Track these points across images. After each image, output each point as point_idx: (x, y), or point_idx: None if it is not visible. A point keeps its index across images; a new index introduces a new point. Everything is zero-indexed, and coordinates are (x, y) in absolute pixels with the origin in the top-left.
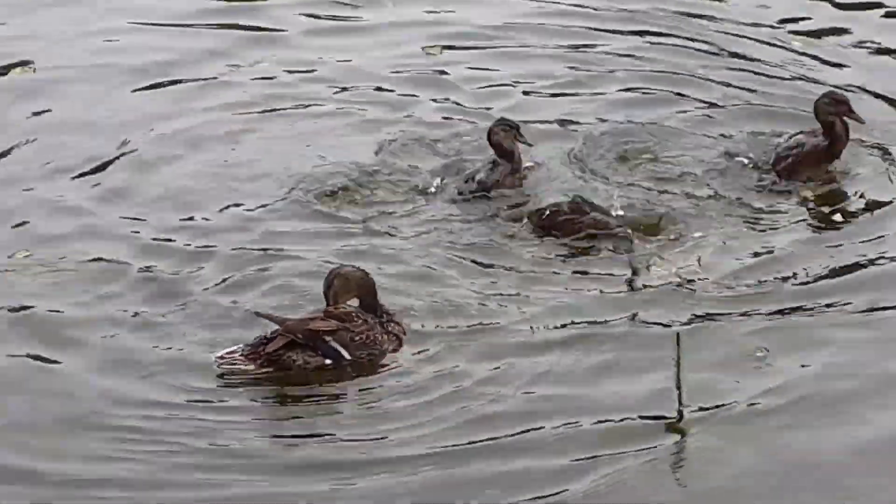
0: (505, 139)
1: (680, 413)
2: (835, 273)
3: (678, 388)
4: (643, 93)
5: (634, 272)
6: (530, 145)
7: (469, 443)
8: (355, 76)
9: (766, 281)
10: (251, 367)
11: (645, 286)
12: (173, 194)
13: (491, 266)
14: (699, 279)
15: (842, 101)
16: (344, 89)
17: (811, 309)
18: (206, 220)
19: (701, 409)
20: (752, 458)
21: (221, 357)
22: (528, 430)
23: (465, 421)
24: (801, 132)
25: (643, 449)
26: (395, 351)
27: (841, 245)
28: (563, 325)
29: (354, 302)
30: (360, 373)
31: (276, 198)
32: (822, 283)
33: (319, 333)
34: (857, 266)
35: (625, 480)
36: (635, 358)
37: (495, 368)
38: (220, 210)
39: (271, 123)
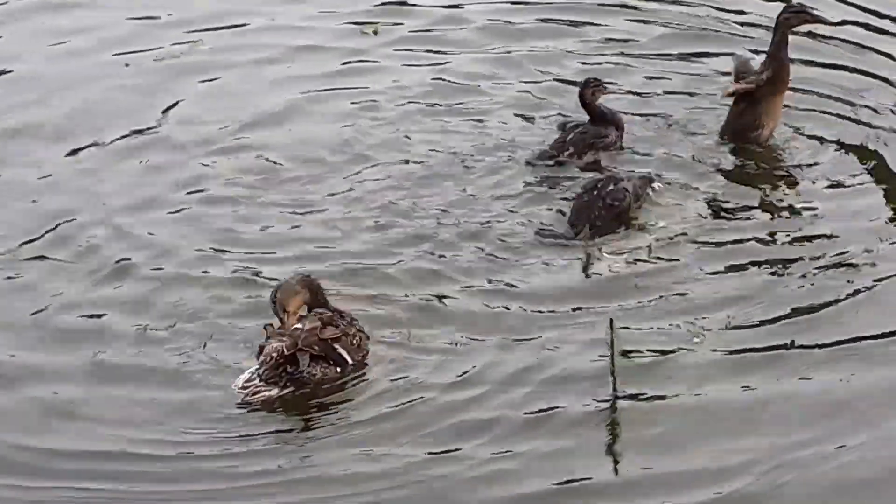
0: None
1: (614, 397)
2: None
3: (612, 372)
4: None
5: (588, 258)
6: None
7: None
8: None
9: (710, 270)
10: (275, 391)
11: (592, 274)
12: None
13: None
14: (648, 265)
15: (800, 10)
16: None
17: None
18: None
19: (634, 393)
20: (685, 441)
21: (243, 388)
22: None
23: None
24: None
25: (581, 432)
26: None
27: (786, 232)
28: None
29: (305, 310)
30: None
31: None
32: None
33: (330, 342)
34: (795, 254)
35: (563, 463)
36: (577, 342)
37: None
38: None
39: None
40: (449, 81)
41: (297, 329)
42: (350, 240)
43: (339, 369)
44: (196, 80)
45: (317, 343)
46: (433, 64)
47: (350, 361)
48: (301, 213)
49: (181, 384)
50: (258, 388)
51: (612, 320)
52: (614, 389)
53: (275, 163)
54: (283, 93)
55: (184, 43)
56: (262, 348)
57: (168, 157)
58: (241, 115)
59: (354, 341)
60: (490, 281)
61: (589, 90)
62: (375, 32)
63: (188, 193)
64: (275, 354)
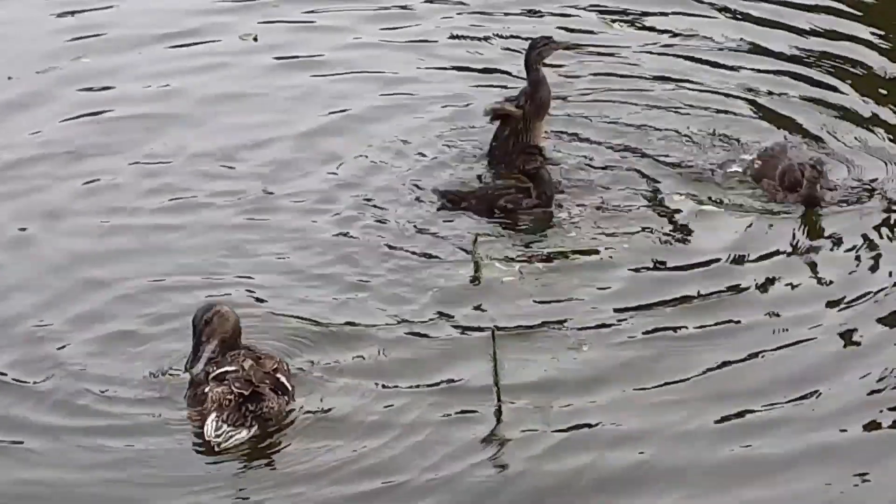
0: None
1: (499, 409)
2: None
3: (496, 383)
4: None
5: (477, 268)
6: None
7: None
8: None
9: (600, 282)
10: (244, 433)
11: (479, 282)
12: None
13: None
14: (540, 274)
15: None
16: None
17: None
18: None
19: (518, 403)
20: (567, 452)
21: (217, 436)
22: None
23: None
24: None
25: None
26: None
27: (671, 238)
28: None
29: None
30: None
31: None
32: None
33: (273, 373)
34: (679, 260)
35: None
36: (464, 353)
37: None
38: None
39: None
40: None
41: (234, 370)
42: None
43: (286, 398)
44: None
45: (268, 378)
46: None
47: (290, 388)
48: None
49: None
50: (230, 433)
51: (494, 331)
52: (498, 399)
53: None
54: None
55: None
56: (200, 393)
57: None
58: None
59: (286, 367)
60: (385, 290)
61: (535, 52)
62: (255, 39)
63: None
64: (231, 397)
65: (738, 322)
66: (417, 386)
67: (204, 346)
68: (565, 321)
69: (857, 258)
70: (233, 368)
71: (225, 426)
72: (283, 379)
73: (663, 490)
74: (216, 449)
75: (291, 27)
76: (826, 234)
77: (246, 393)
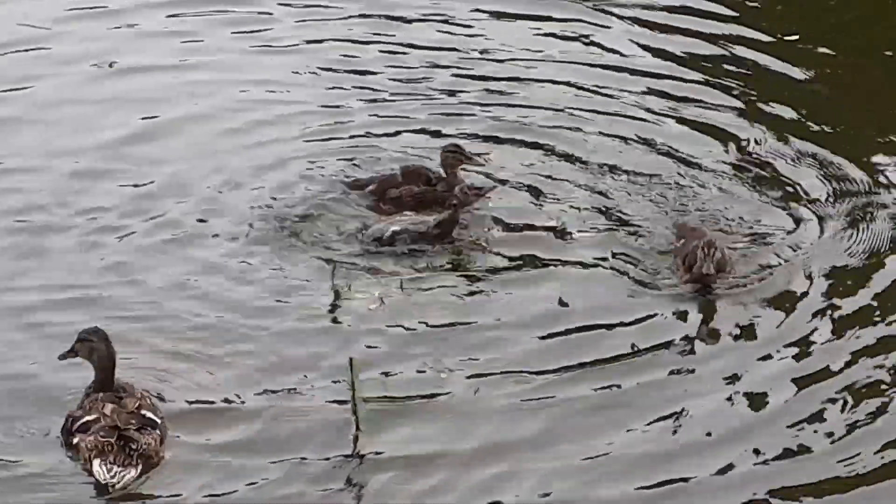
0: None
1: (356, 437)
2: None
3: (354, 412)
4: None
5: (337, 295)
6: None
7: None
8: None
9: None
10: (133, 471)
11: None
12: None
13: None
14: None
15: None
16: None
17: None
18: None
19: (378, 434)
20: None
21: (112, 477)
22: None
23: None
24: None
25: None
26: None
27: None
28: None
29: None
30: None
31: None
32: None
33: (138, 412)
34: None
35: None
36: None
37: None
38: None
39: None
40: None
41: (94, 419)
42: None
43: (158, 432)
44: None
45: (133, 418)
46: None
47: (158, 420)
48: None
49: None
50: (123, 473)
51: (352, 360)
52: (357, 429)
53: None
54: None
55: None
56: (74, 443)
57: None
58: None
59: (149, 401)
60: (239, 326)
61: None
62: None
63: None
64: (109, 441)
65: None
66: (272, 406)
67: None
68: (425, 348)
69: (738, 347)
70: (93, 417)
71: (115, 467)
72: (148, 414)
73: None
74: (110, 490)
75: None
76: (711, 318)
77: (112, 441)
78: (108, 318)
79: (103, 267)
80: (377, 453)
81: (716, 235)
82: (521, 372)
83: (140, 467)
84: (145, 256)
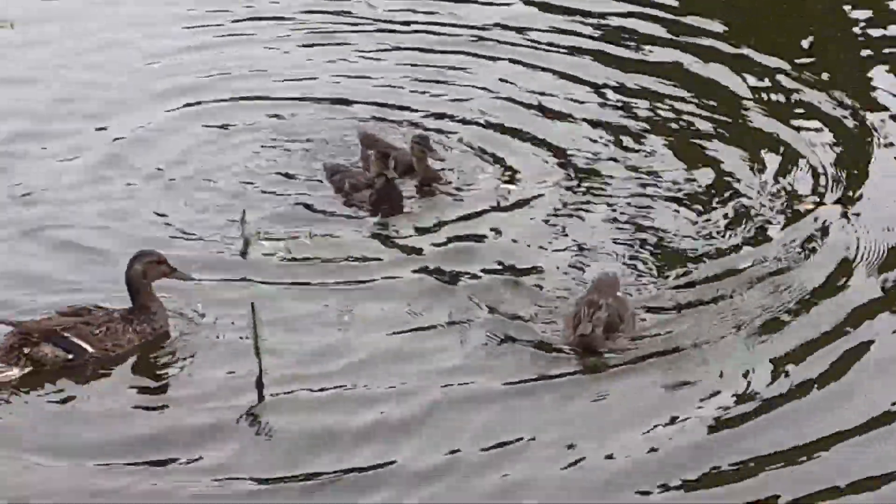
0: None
1: (260, 381)
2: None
3: (257, 355)
4: None
5: (246, 243)
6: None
7: None
8: None
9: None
10: (15, 371)
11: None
12: None
13: None
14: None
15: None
16: None
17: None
18: None
19: (282, 375)
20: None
21: None
22: None
23: None
24: None
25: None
26: (135, 345)
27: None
28: None
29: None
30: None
31: None
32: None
33: (56, 331)
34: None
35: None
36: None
37: None
38: None
39: None
40: None
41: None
42: None
43: (70, 356)
44: None
45: (38, 331)
46: None
47: (90, 349)
48: None
49: None
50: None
51: (253, 304)
52: (260, 371)
53: None
54: None
55: None
56: None
57: None
58: None
59: (98, 332)
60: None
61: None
62: (12, 26)
63: None
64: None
65: None
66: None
67: None
68: (332, 292)
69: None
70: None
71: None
72: (72, 338)
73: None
74: None
75: None
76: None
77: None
78: None
79: None
80: (283, 394)
81: (607, 287)
82: (414, 313)
83: (27, 369)
84: None
